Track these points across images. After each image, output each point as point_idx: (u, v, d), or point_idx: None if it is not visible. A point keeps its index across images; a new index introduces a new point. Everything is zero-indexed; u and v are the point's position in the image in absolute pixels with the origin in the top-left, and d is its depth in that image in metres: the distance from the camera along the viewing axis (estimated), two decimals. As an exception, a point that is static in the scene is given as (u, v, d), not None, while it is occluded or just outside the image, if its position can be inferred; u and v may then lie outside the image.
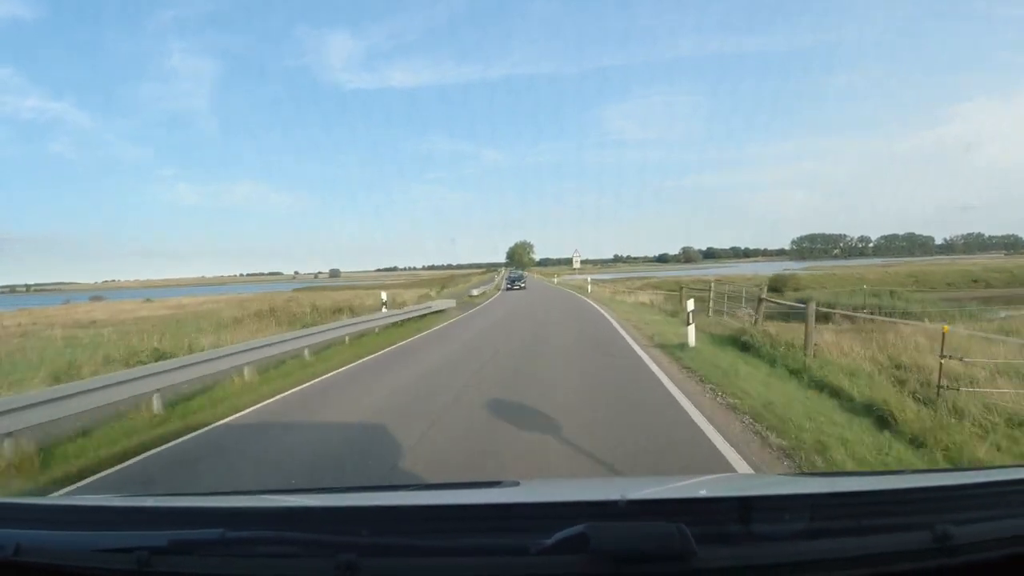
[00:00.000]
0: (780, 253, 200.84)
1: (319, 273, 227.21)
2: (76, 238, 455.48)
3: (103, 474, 4.74)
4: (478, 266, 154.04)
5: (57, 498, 2.19)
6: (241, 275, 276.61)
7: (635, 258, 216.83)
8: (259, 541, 0.97)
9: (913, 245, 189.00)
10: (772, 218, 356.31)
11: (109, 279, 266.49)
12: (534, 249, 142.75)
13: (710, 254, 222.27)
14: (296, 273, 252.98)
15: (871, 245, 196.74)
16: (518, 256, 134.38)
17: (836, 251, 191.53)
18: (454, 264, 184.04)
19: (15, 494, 4.17)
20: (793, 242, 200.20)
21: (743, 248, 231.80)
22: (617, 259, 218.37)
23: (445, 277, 74.26)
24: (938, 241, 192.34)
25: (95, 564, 0.95)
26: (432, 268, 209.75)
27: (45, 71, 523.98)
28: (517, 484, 1.45)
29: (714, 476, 2.63)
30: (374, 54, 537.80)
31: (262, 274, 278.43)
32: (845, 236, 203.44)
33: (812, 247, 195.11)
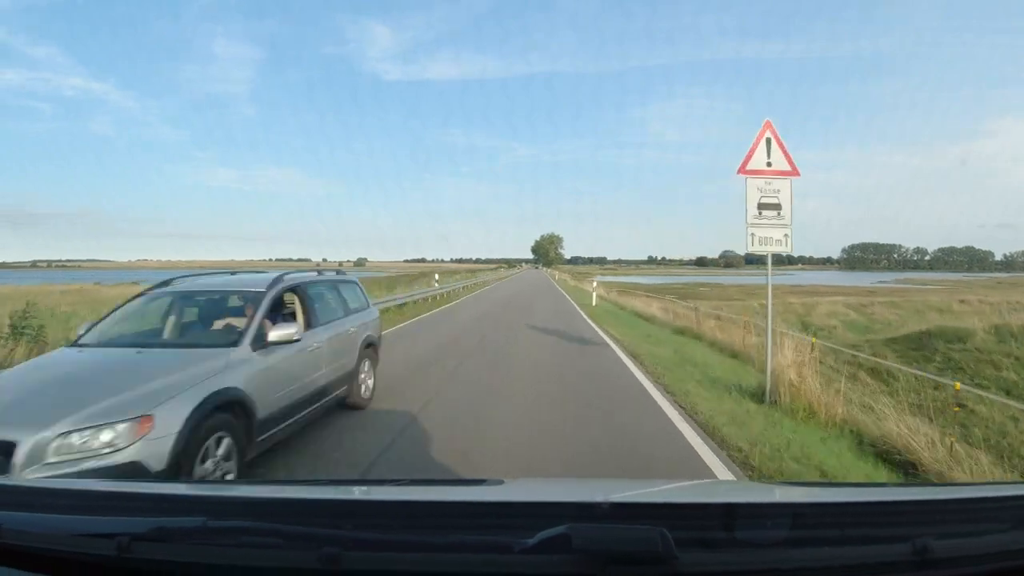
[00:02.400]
0: (827, 261, 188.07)
1: (344, 261, 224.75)
2: (109, 216, 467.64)
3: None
4: (506, 260, 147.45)
5: (40, 481, 1.99)
6: (270, 260, 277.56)
7: (671, 260, 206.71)
8: (241, 531, 0.95)
9: (971, 260, 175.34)
10: (816, 225, 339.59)
11: (141, 258, 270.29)
12: (563, 243, 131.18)
13: (750, 259, 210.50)
14: (323, 260, 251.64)
15: (927, 258, 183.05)
16: (544, 251, 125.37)
17: (885, 262, 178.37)
18: (482, 258, 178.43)
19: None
20: (844, 251, 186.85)
21: (785, 255, 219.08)
22: (651, 260, 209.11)
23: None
24: (997, 257, 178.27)
25: (75, 549, 0.95)
26: (460, 261, 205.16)
27: (89, 51, 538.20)
28: (502, 483, 1.44)
29: (698, 481, 2.64)
30: (412, 45, 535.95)
31: (291, 259, 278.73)
32: (900, 246, 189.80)
33: (864, 257, 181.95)
